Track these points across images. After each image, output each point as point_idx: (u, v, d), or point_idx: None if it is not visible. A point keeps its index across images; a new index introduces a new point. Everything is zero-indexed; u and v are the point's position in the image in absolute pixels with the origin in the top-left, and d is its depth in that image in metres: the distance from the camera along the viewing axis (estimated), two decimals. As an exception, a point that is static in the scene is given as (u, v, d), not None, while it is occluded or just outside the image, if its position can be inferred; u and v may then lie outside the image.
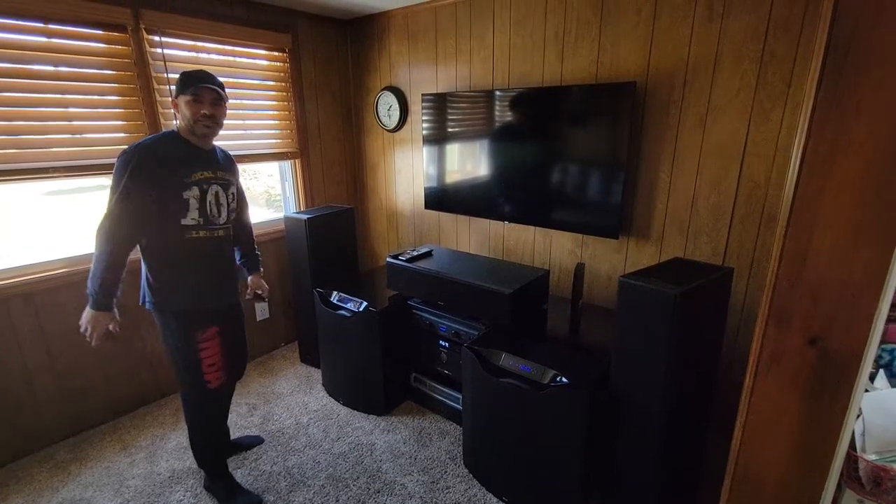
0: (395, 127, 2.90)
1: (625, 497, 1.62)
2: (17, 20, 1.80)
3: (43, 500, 1.80)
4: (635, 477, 1.57)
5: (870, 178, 0.66)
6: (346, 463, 1.99)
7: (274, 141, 2.75)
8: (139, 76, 2.11)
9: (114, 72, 2.06)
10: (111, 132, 2.09)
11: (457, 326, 2.12)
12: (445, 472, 1.94)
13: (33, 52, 1.86)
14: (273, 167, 2.95)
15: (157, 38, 2.15)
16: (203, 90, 1.55)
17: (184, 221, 1.55)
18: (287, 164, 2.91)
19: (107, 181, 1.83)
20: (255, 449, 2.08)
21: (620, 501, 1.63)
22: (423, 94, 2.59)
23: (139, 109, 2.14)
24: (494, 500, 1.79)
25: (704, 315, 1.49)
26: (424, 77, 2.69)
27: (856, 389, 0.73)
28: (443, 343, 2.21)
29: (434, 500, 1.79)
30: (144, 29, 2.10)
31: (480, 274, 2.04)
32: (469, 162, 2.51)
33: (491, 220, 2.59)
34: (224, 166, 1.69)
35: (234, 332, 1.80)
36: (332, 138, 3.05)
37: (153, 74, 2.16)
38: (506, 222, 2.51)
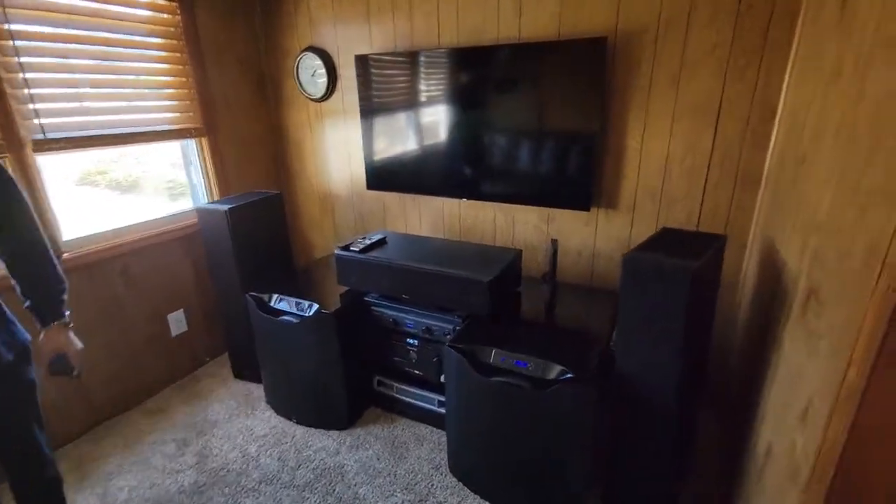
0: (323, 96, 2.49)
1: (631, 485, 1.54)
2: None
3: None
4: (644, 464, 1.48)
5: None
6: (315, 495, 1.69)
7: (170, 115, 2.21)
8: (-40, 26, 1.51)
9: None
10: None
11: (426, 321, 1.88)
12: (432, 484, 1.73)
13: None
14: (173, 149, 2.40)
15: (-18, -28, 1.54)
16: None
17: None
18: (191, 143, 2.38)
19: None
20: (197, 498, 1.70)
21: (626, 490, 1.55)
22: (356, 56, 2.22)
23: (-33, 74, 1.54)
24: (492, 507, 1.63)
25: (707, 287, 1.41)
26: (355, 35, 2.31)
27: None
28: (411, 341, 1.96)
29: (426, 520, 1.58)
30: (-41, -43, 1.48)
31: (447, 260, 1.81)
32: (416, 133, 2.22)
33: (445, 199, 2.34)
34: None
35: None
36: (243, 111, 2.56)
37: (-17, 24, 1.56)
38: (462, 200, 2.28)
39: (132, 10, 1.99)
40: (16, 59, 1.63)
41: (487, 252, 1.92)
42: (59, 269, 1.25)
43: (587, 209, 1.95)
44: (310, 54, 2.43)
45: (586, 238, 2.09)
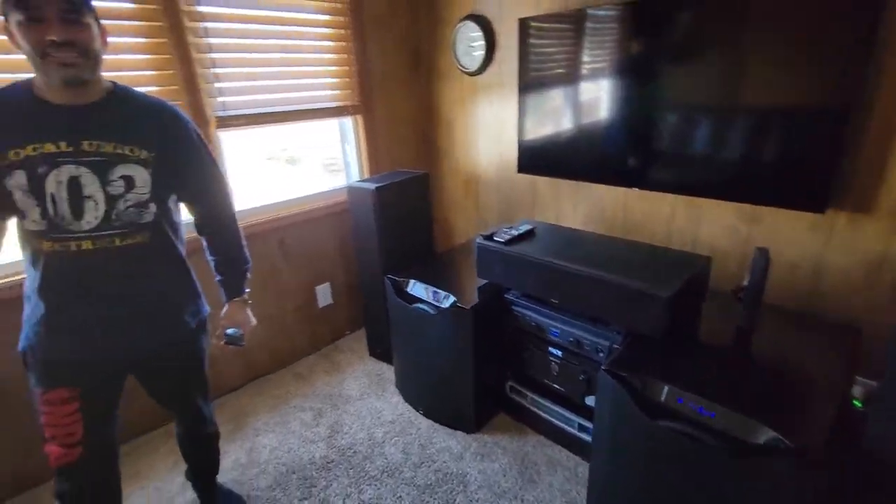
0: (478, 69, 2.30)
1: None
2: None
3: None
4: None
5: None
6: (434, 500, 1.57)
7: (331, 93, 2.25)
8: (166, 12, 1.66)
9: (135, 5, 1.61)
10: (139, 84, 1.66)
11: (576, 332, 1.59)
12: (565, 525, 1.47)
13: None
14: (331, 126, 2.47)
15: (184, -40, 1.67)
16: (39, 2, 0.87)
17: (27, 225, 0.99)
18: (348, 121, 2.42)
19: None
20: (325, 473, 1.71)
21: None
22: (520, 20, 1.96)
23: (168, 55, 1.70)
24: (642, 578, 1.30)
25: None
26: (519, -4, 2.05)
27: None
28: (554, 350, 1.69)
29: (557, 570, 1.33)
30: (168, -54, 1.62)
31: (612, 262, 1.47)
32: (585, 109, 1.89)
33: (609, 186, 1.98)
34: (119, 131, 1.02)
35: (166, 384, 1.30)
36: (397, 88, 2.51)
37: (182, 8, 1.70)
38: (633, 188, 1.88)
39: (306, -12, 2.04)
40: (205, 40, 1.77)
41: (663, 256, 1.53)
42: (246, 249, 1.33)
43: (821, 210, 1.41)
44: (468, 23, 2.25)
45: (810, 248, 1.54)
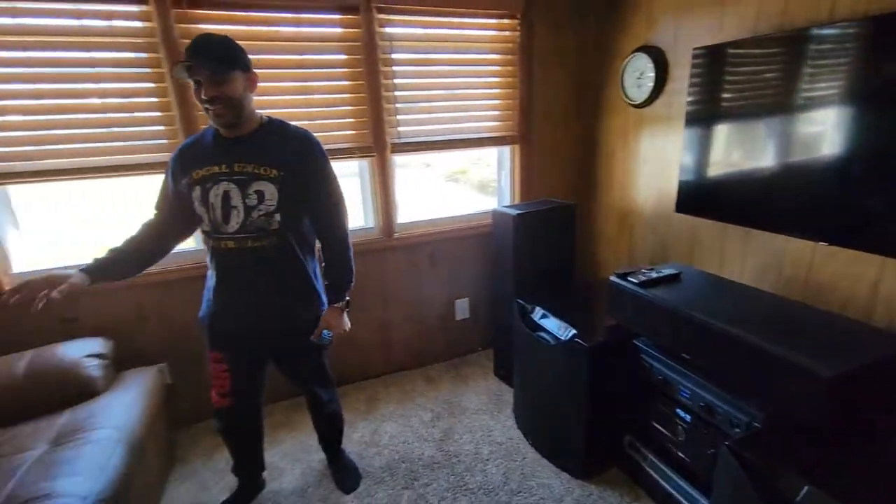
0: (646, 101, 2.19)
1: None
2: (264, 12, 1.87)
3: (253, 455, 1.95)
4: None
5: None
6: (521, 534, 1.54)
7: (493, 124, 2.43)
8: (367, 60, 2.06)
9: (346, 56, 2.05)
10: (339, 118, 2.10)
11: (708, 397, 1.38)
12: None
13: (280, 42, 1.93)
14: (491, 153, 2.65)
15: (385, 17, 2.06)
16: (194, 69, 1.17)
17: (202, 227, 1.34)
18: (506, 150, 2.57)
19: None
20: (428, 472, 1.84)
21: None
22: (694, 49, 1.82)
23: (364, 94, 2.10)
24: None
25: None
26: (700, 25, 1.90)
27: None
28: (681, 413, 1.50)
29: None
30: (375, 8, 2.02)
31: (768, 325, 1.25)
32: (772, 146, 1.63)
33: (790, 237, 1.66)
34: (258, 155, 1.28)
35: (287, 364, 1.57)
36: (559, 120, 2.55)
37: (380, 56, 2.08)
38: (820, 243, 1.55)
39: (481, 31, 2.27)
40: (392, 80, 2.13)
41: (847, 328, 1.24)
42: (352, 262, 1.51)
43: None
44: (640, 55, 2.17)
45: None
